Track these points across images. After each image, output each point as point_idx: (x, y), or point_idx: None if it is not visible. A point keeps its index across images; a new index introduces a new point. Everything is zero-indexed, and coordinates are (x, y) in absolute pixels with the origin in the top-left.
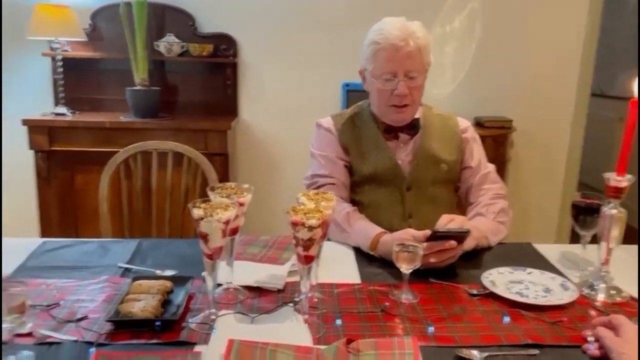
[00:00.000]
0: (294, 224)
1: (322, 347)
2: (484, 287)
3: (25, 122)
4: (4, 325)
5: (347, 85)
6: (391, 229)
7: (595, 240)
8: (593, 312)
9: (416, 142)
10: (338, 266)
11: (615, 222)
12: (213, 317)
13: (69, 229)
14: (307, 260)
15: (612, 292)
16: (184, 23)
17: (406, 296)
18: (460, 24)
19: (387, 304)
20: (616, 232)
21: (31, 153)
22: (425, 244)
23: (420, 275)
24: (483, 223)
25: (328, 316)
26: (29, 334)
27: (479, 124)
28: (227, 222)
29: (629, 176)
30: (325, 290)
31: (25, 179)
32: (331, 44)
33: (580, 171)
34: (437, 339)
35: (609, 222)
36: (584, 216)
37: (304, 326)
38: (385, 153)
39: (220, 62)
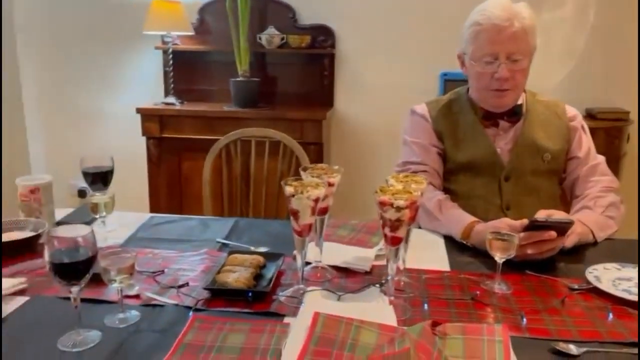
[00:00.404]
0: (382, 204)
1: (407, 327)
2: (587, 282)
3: (138, 110)
4: (114, 285)
5: (445, 75)
6: (486, 221)
7: None
8: None
9: (517, 129)
10: (427, 253)
11: None
12: (302, 291)
13: (174, 208)
14: (394, 241)
15: None
16: (284, 15)
17: (499, 286)
18: (571, 9)
19: (477, 292)
20: None
21: (144, 139)
22: (522, 234)
23: (515, 267)
24: (589, 217)
25: (415, 300)
26: (137, 296)
27: (590, 115)
28: (316, 200)
29: None
30: (412, 275)
31: (138, 162)
32: (429, 33)
33: None
34: (531, 330)
35: None
36: None
37: (390, 307)
38: (483, 140)
39: (317, 53)
